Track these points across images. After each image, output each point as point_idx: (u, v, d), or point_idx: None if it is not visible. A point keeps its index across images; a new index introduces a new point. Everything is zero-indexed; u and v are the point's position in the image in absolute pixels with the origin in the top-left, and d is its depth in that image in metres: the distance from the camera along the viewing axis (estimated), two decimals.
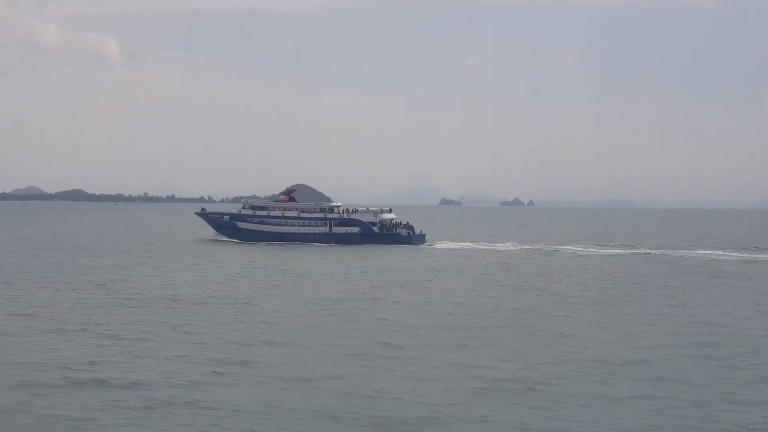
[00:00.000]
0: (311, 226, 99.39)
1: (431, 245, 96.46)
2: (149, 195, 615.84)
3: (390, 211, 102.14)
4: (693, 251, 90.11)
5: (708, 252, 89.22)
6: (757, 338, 35.10)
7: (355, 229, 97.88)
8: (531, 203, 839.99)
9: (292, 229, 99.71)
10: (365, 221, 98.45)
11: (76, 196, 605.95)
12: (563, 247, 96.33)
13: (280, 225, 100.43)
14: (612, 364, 29.10)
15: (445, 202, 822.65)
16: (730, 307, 44.90)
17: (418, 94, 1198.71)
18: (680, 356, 30.71)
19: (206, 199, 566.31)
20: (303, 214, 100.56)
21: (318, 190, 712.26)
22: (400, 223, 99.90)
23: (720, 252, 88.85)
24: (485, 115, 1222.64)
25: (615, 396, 24.82)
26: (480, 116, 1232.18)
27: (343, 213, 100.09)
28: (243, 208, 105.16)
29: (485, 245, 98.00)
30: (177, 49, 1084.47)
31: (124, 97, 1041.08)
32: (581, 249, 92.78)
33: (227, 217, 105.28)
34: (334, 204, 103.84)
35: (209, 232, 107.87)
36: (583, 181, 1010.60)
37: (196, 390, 24.76)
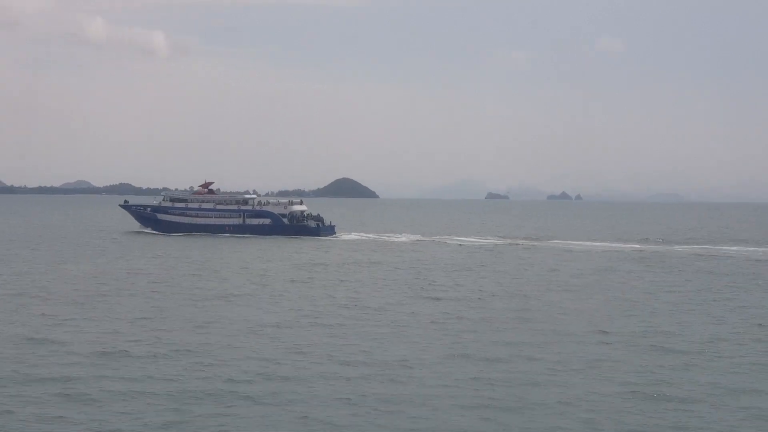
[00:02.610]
0: (226, 217, 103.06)
1: (338, 236, 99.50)
2: (194, 189, 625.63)
3: (301, 203, 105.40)
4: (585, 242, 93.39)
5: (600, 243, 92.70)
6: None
7: (267, 221, 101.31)
8: (578, 197, 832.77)
9: (208, 221, 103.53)
10: (276, 213, 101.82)
11: (124, 190, 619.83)
12: (455, 237, 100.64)
13: (197, 217, 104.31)
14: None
15: (491, 196, 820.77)
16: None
17: (464, 87, 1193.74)
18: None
19: (251, 193, 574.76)
20: (219, 206, 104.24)
21: (363, 184, 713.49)
22: (310, 215, 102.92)
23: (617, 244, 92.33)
24: (532, 107, 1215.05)
25: None
26: (526, 109, 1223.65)
27: (256, 205, 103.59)
28: (163, 200, 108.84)
29: (385, 236, 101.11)
30: (223, 42, 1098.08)
31: (170, 90, 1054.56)
32: (472, 240, 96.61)
33: (149, 209, 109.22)
34: (248, 196, 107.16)
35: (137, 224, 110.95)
36: (632, 175, 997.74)
37: None
